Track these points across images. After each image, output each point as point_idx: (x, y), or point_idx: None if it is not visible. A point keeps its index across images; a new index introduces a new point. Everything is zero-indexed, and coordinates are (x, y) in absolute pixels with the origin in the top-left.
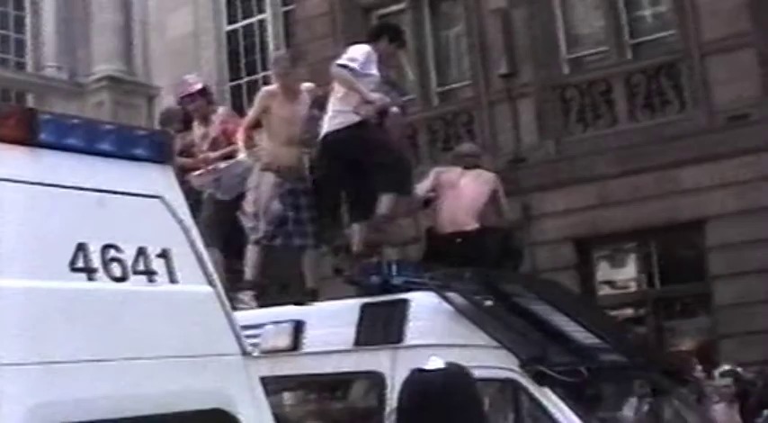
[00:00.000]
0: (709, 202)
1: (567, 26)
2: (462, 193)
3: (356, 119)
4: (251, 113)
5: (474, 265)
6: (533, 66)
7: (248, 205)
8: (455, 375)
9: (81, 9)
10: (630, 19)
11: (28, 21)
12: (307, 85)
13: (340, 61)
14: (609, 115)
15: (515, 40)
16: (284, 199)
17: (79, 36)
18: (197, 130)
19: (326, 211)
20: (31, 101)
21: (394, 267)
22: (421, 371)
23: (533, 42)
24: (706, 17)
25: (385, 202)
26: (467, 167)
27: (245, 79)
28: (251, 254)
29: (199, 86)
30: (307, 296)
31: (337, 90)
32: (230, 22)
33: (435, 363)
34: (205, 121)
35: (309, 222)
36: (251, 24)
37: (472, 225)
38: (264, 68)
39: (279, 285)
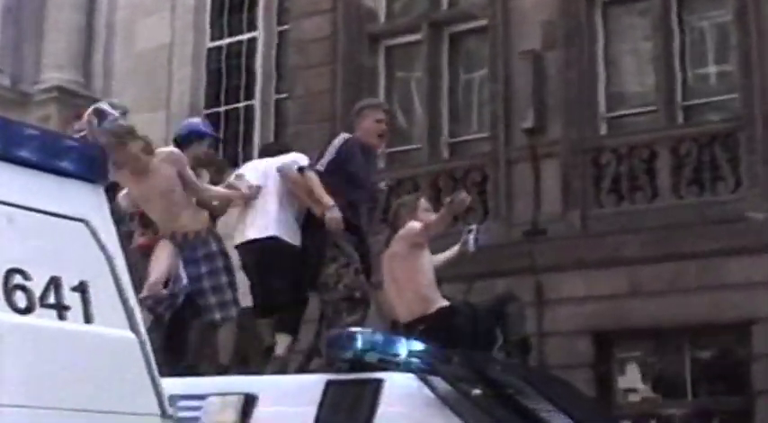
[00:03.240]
0: (759, 302)
1: (610, 78)
2: (398, 271)
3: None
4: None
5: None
6: (565, 121)
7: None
8: None
9: (36, 3)
10: (685, 77)
11: None
12: (166, 151)
13: (302, 164)
14: (649, 188)
15: (546, 90)
16: (189, 270)
17: (29, 35)
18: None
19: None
20: None
21: (368, 341)
22: None
23: (568, 94)
24: None
25: (282, 345)
26: (394, 229)
27: (224, 108)
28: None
29: None
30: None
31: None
32: (213, 38)
33: None
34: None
35: (229, 288)
36: (238, 43)
37: (431, 307)
38: (248, 97)
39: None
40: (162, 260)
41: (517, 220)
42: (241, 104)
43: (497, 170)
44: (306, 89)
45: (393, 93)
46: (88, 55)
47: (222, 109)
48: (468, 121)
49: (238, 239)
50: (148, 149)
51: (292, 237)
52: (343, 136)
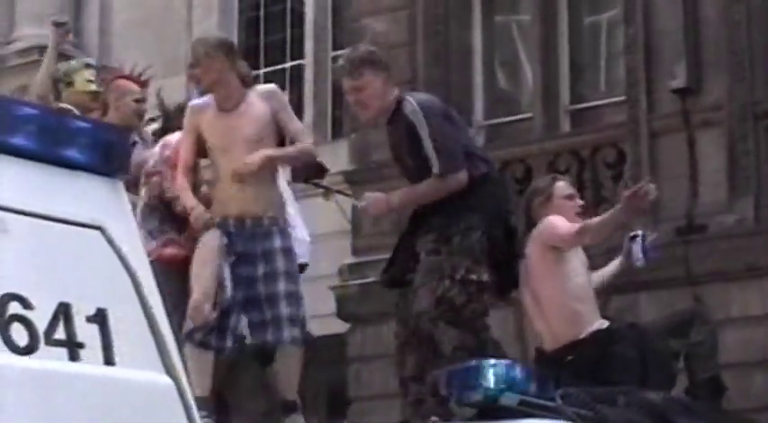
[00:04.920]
0: None
1: None
2: (536, 282)
3: None
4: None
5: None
6: (730, 78)
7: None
8: None
9: None
10: None
11: None
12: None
13: None
14: None
15: (704, 34)
16: (237, 271)
17: None
18: None
19: None
20: None
21: (504, 376)
22: None
23: (733, 39)
24: None
25: None
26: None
27: (264, 70)
28: (193, 359)
29: None
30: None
31: None
32: None
33: None
34: None
35: (287, 300)
36: None
37: (583, 329)
38: (296, 55)
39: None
40: (207, 267)
41: (666, 214)
42: (287, 64)
43: (637, 146)
44: (375, 42)
45: (492, 43)
46: (78, 3)
47: (262, 71)
48: (594, 80)
49: None
50: None
51: None
52: None
